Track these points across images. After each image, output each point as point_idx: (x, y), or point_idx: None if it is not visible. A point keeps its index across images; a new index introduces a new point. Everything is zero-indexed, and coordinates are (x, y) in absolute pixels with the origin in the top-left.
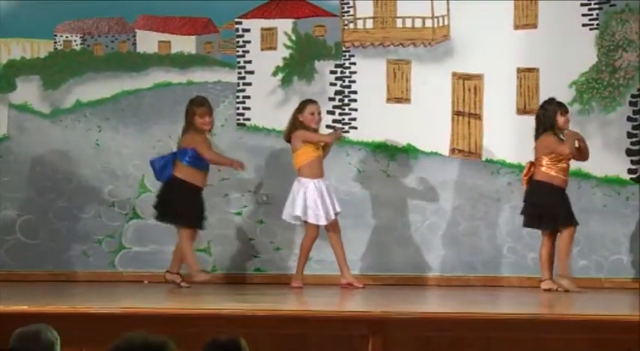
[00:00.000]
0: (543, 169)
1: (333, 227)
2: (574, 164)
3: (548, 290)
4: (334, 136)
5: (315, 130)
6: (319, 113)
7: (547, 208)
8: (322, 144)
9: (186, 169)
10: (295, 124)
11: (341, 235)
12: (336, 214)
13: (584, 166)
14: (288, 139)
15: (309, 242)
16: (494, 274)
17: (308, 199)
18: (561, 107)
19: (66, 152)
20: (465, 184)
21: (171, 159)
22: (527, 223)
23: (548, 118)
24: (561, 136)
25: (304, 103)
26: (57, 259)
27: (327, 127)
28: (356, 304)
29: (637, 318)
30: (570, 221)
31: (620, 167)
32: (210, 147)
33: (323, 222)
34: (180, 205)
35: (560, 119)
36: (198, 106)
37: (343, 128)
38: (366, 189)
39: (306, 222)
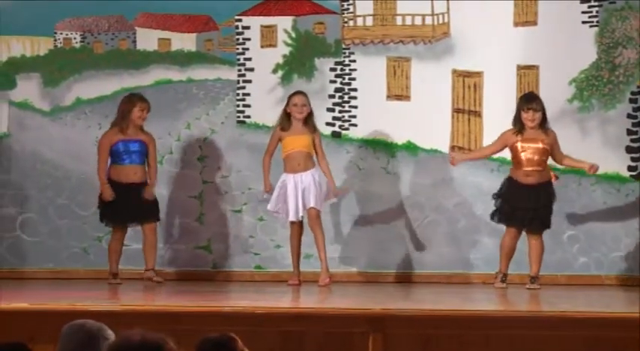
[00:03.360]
0: None
1: (309, 224)
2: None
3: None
4: (264, 176)
5: (304, 121)
6: (303, 105)
7: None
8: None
9: None
10: (281, 116)
11: (320, 230)
12: (312, 209)
13: None
14: None
15: (291, 239)
16: (494, 272)
17: (278, 193)
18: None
19: (66, 150)
20: (465, 181)
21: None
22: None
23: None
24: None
25: (290, 95)
26: (57, 256)
27: (327, 124)
28: (356, 302)
29: (637, 315)
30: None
31: (620, 164)
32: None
33: (291, 217)
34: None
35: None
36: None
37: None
38: (365, 186)
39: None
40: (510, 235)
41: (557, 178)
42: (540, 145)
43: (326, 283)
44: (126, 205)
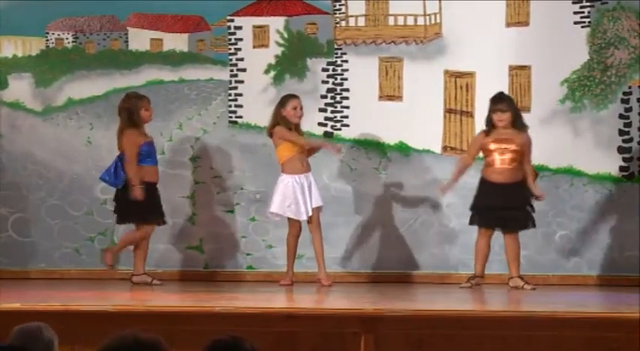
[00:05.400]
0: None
1: (312, 223)
2: (566, 161)
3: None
4: (313, 144)
5: (297, 125)
6: (301, 108)
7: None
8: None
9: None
10: (277, 118)
11: (320, 230)
12: (317, 208)
13: (576, 164)
14: (271, 135)
15: (290, 239)
16: (486, 272)
17: (286, 195)
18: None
19: (58, 150)
20: (457, 181)
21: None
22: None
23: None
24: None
25: (286, 98)
26: (49, 256)
27: (319, 124)
28: (348, 302)
29: (630, 316)
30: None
31: (611, 165)
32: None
33: (303, 217)
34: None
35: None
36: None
37: (338, 146)
38: (358, 186)
39: (289, 219)
40: (482, 235)
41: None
42: (512, 146)
43: (330, 284)
44: (158, 204)
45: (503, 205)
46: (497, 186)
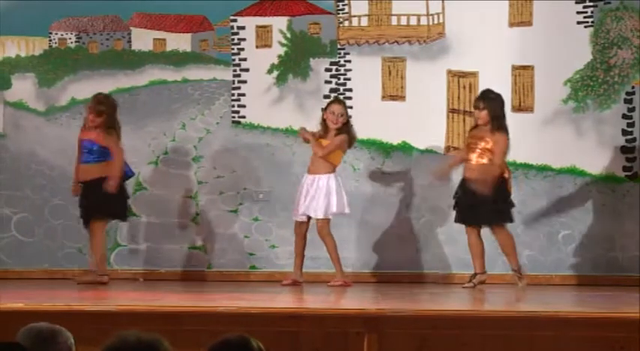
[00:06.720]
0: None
1: (318, 234)
2: (569, 161)
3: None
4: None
5: (339, 130)
6: (340, 114)
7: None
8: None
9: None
10: (321, 122)
11: (326, 241)
12: (316, 219)
13: (579, 164)
14: None
15: (294, 236)
16: (489, 272)
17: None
18: None
19: (61, 150)
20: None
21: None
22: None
23: (503, 114)
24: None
25: (328, 103)
26: (53, 256)
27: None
28: (351, 302)
29: (633, 316)
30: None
31: (615, 164)
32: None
33: (293, 217)
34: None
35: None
36: None
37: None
38: (361, 187)
39: None
40: (469, 232)
41: (508, 174)
42: (483, 144)
43: (335, 284)
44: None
45: (473, 201)
46: (469, 182)
